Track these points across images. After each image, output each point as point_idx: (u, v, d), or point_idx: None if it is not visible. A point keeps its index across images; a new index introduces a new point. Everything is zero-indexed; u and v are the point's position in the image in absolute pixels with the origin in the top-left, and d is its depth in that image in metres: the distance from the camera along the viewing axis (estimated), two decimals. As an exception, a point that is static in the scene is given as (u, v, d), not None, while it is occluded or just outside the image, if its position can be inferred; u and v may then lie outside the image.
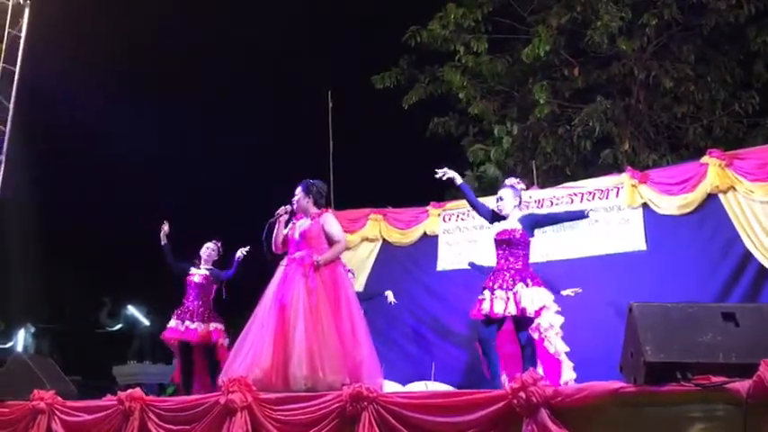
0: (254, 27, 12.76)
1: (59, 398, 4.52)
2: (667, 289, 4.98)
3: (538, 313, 4.55)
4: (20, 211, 11.19)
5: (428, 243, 6.63)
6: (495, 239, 4.76)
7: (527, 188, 6.35)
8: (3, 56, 8.59)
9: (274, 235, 4.47)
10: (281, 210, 4.48)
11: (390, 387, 4.52)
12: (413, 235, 6.74)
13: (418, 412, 3.21)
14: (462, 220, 6.44)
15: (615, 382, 2.83)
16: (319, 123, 7.90)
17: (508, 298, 4.51)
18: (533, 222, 4.80)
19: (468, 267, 6.03)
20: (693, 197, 5.37)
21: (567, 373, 4.61)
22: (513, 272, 4.60)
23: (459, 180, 4.94)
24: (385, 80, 9.73)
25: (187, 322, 5.78)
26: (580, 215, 4.92)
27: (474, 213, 6.26)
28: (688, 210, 5.41)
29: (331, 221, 4.46)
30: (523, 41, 9.03)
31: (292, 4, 12.12)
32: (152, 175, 12.57)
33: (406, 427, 3.21)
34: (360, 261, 6.77)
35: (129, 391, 4.17)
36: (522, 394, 2.88)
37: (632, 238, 5.62)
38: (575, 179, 6.89)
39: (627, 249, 5.61)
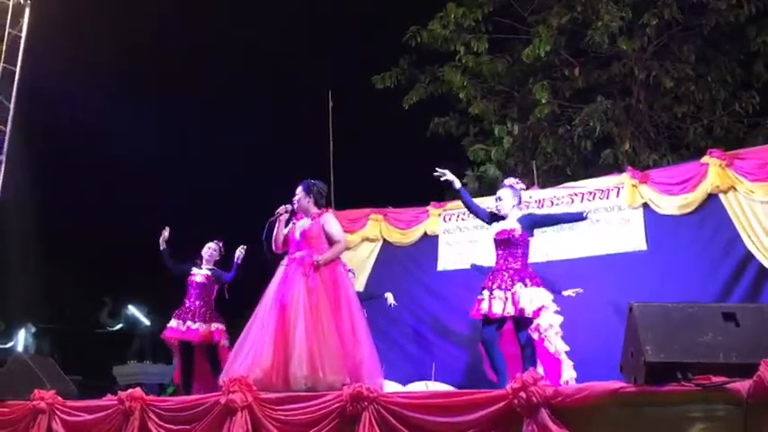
0: (254, 27, 12.76)
1: (60, 398, 4.52)
2: (668, 289, 4.98)
3: (537, 313, 4.54)
4: (20, 211, 11.19)
5: (428, 243, 6.63)
6: (495, 239, 4.76)
7: (527, 188, 6.36)
8: (3, 56, 8.59)
9: (274, 234, 4.47)
10: (282, 209, 4.48)
11: (391, 387, 4.52)
12: (413, 235, 6.74)
13: (419, 412, 3.21)
14: (463, 220, 6.44)
15: (615, 382, 2.83)
16: (319, 123, 7.90)
17: (506, 298, 4.51)
18: (532, 222, 4.80)
19: (470, 268, 6.02)
20: (694, 197, 5.37)
21: (568, 372, 4.61)
22: (511, 272, 4.60)
23: (457, 185, 4.92)
24: (385, 80, 9.73)
25: (188, 322, 5.77)
26: (579, 217, 4.91)
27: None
28: (688, 210, 5.41)
29: (331, 221, 4.46)
30: (524, 41, 9.03)
31: (292, 4, 12.13)
32: (152, 175, 12.58)
33: (407, 427, 3.21)
34: (360, 261, 6.77)
35: (130, 390, 4.17)
36: (523, 394, 2.88)
37: (633, 238, 5.62)
38: (575, 179, 6.89)
39: (627, 249, 5.61)
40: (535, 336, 4.65)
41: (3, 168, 8.47)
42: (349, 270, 5.21)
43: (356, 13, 11.46)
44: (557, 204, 6.06)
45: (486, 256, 5.54)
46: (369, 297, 5.90)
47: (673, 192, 5.50)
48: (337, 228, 4.49)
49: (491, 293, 4.58)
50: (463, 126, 9.76)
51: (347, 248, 5.47)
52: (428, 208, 6.71)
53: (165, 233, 5.87)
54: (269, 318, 4.15)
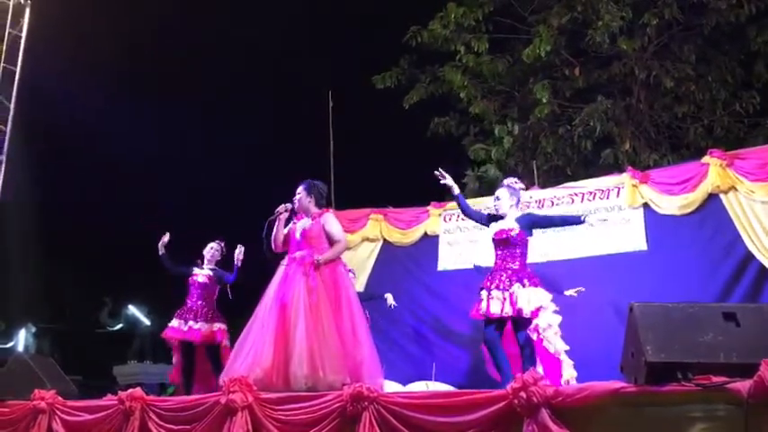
0: (254, 27, 12.75)
1: (60, 397, 4.52)
2: (668, 289, 4.98)
3: (535, 314, 4.54)
4: (20, 212, 11.19)
5: (429, 243, 6.63)
6: (493, 239, 4.76)
7: (528, 188, 6.36)
8: (3, 56, 8.59)
9: (274, 233, 4.47)
10: (281, 208, 4.47)
11: (391, 387, 4.52)
12: (413, 235, 6.74)
13: (419, 412, 3.21)
14: (463, 220, 6.43)
15: (616, 381, 2.83)
16: (319, 123, 7.91)
17: (504, 298, 4.51)
18: (531, 222, 4.79)
19: (473, 269, 6.01)
20: (694, 197, 5.37)
21: (568, 372, 4.61)
22: (509, 272, 4.60)
23: (456, 191, 4.91)
24: (386, 80, 9.73)
25: (190, 322, 5.76)
26: (577, 221, 4.85)
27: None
28: (689, 210, 5.41)
29: (332, 221, 4.46)
30: (524, 41, 9.03)
31: (292, 4, 12.12)
32: (152, 175, 12.57)
33: (407, 427, 3.21)
34: (360, 261, 6.77)
35: (130, 390, 4.17)
36: (523, 394, 2.88)
37: (633, 238, 5.63)
38: (575, 179, 6.89)
39: (628, 249, 5.61)
40: (534, 336, 4.65)
41: (3, 168, 8.47)
42: (349, 270, 5.21)
43: (356, 13, 11.46)
44: (557, 204, 6.06)
45: (487, 256, 5.52)
46: (369, 297, 5.90)
47: (673, 192, 5.50)
48: (338, 228, 4.49)
49: (489, 294, 4.58)
50: (463, 126, 9.76)
51: (347, 248, 5.46)
52: (428, 208, 6.71)
53: (165, 238, 5.88)
54: (269, 317, 4.15)
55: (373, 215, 6.94)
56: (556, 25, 8.49)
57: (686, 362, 2.63)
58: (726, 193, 5.24)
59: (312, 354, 3.96)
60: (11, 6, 8.66)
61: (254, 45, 12.03)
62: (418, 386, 5.18)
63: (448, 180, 4.89)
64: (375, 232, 6.90)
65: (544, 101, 8.49)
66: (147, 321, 14.48)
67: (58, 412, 4.40)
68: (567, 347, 4.68)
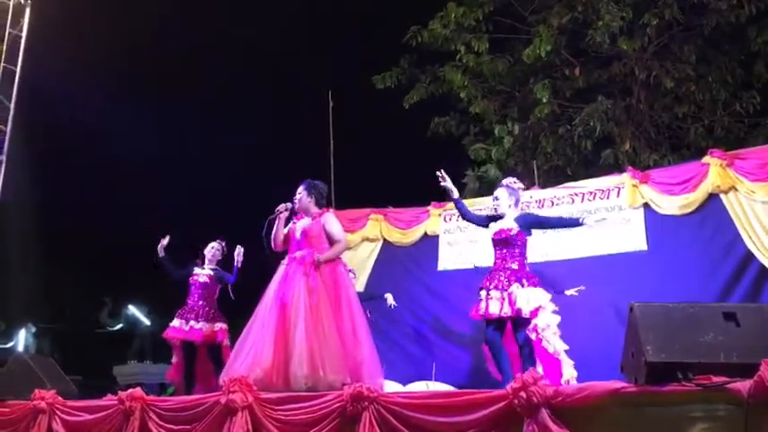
0: (254, 27, 12.75)
1: (60, 397, 4.51)
2: (668, 289, 4.98)
3: (534, 314, 4.53)
4: (20, 212, 11.19)
5: (429, 243, 6.63)
6: (492, 239, 4.76)
7: (528, 188, 6.37)
8: (3, 56, 8.59)
9: (274, 232, 4.47)
10: (282, 207, 4.47)
11: (391, 387, 4.52)
12: (413, 235, 6.74)
13: (419, 412, 3.21)
14: (463, 220, 6.43)
15: (616, 381, 2.82)
16: (319, 123, 7.90)
17: (503, 298, 4.51)
18: (529, 222, 4.78)
19: (474, 270, 6.00)
20: (694, 197, 5.37)
21: (568, 371, 4.60)
22: (508, 272, 4.60)
23: (455, 194, 4.91)
24: (386, 80, 9.73)
25: (192, 322, 5.76)
26: (576, 223, 4.83)
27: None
28: (689, 210, 5.41)
29: (332, 221, 4.47)
30: (524, 41, 9.03)
31: (292, 4, 12.12)
32: (152, 175, 12.57)
33: (407, 427, 3.21)
34: (360, 261, 6.77)
35: (130, 390, 4.17)
36: (523, 394, 2.88)
37: (633, 238, 5.62)
38: (575, 179, 6.89)
39: (628, 249, 5.61)
40: (533, 336, 4.65)
41: (3, 168, 8.47)
42: (349, 270, 5.21)
43: (356, 13, 11.45)
44: (557, 204, 6.06)
45: (487, 256, 5.52)
46: (369, 297, 5.91)
47: (673, 192, 5.50)
48: (338, 227, 4.49)
49: (488, 294, 4.58)
50: (464, 126, 9.76)
51: (347, 248, 5.46)
52: (428, 208, 6.71)
53: (164, 241, 5.87)
54: (269, 317, 4.15)
55: (373, 215, 6.94)
56: (556, 25, 8.49)
57: (686, 362, 2.63)
58: (726, 193, 5.24)
59: (312, 354, 3.96)
60: (11, 6, 8.67)
61: (254, 45, 12.03)
62: (418, 386, 5.18)
63: (447, 183, 4.89)
64: (375, 232, 6.89)
65: (544, 101, 8.49)
66: (147, 321, 14.48)
67: (58, 412, 4.40)
68: (567, 347, 4.67)
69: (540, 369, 4.48)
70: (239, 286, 5.91)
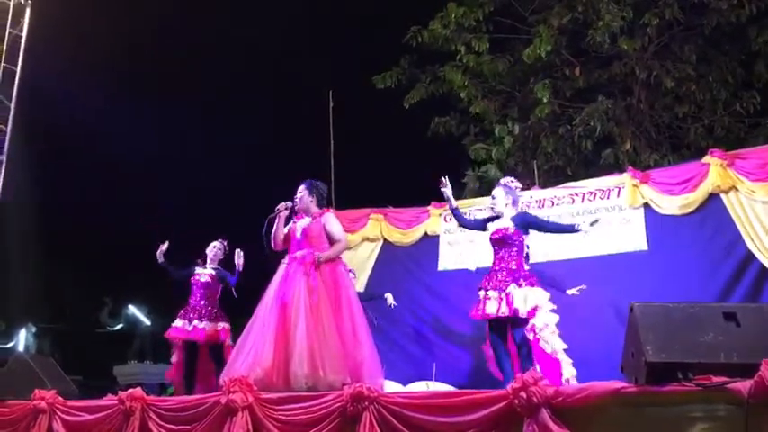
0: (254, 27, 12.76)
1: (60, 397, 4.51)
2: (668, 289, 4.97)
3: (531, 314, 4.53)
4: (20, 212, 11.19)
5: (429, 243, 6.63)
6: (490, 239, 4.77)
7: (529, 188, 6.37)
8: (4, 56, 8.60)
9: (274, 231, 4.47)
10: (282, 206, 4.47)
11: (391, 387, 4.51)
12: (414, 235, 6.73)
13: (419, 412, 3.21)
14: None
15: (616, 381, 2.82)
16: (320, 123, 7.90)
17: (501, 299, 4.51)
18: (526, 221, 4.77)
19: (474, 271, 5.99)
20: (695, 197, 5.37)
21: (568, 370, 4.61)
22: (506, 272, 4.59)
23: (453, 204, 4.96)
24: (386, 80, 9.73)
25: (195, 321, 5.75)
26: (570, 229, 4.80)
27: (475, 213, 6.28)
28: (689, 210, 5.41)
29: (332, 221, 4.47)
30: (524, 41, 9.03)
31: (292, 4, 12.13)
32: (152, 175, 12.58)
33: (407, 427, 3.21)
34: (361, 261, 6.77)
35: (130, 390, 4.16)
36: (523, 394, 2.88)
37: (633, 238, 5.62)
38: (576, 179, 6.88)
39: (628, 249, 5.61)
40: (530, 336, 4.65)
41: (3, 168, 8.47)
42: (349, 270, 5.21)
43: (356, 13, 11.46)
44: (557, 204, 6.06)
45: (487, 256, 5.53)
46: (369, 297, 5.90)
47: (674, 192, 5.50)
48: (338, 227, 4.50)
49: (486, 294, 4.59)
50: (464, 126, 9.76)
51: (348, 248, 5.46)
52: (429, 208, 6.71)
53: (163, 247, 5.87)
54: (270, 317, 4.15)
55: (373, 215, 6.94)
56: (556, 25, 8.49)
57: (687, 362, 2.63)
58: (726, 192, 5.24)
59: (312, 353, 3.96)
60: (11, 6, 8.67)
61: (254, 45, 12.04)
62: (418, 386, 5.18)
63: (447, 190, 4.91)
64: (375, 232, 6.89)
65: (544, 101, 8.49)
66: (147, 321, 14.49)
67: (58, 412, 4.39)
68: (566, 346, 4.67)
69: (537, 369, 4.49)
70: (240, 286, 5.92)
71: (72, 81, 10.85)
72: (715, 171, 5.26)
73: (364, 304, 4.66)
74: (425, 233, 6.67)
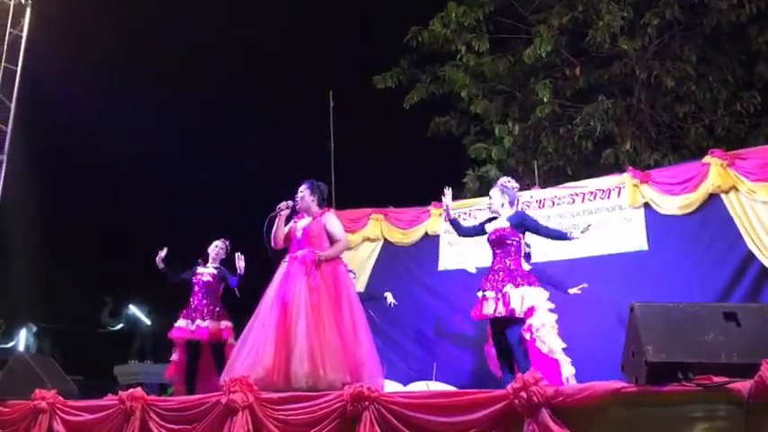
0: (254, 27, 12.76)
1: (61, 397, 4.51)
2: (669, 289, 4.98)
3: (529, 313, 4.53)
4: (20, 211, 11.19)
5: (429, 243, 6.63)
6: (489, 240, 4.77)
7: (529, 188, 6.37)
8: (4, 56, 8.60)
9: (274, 230, 4.47)
10: (283, 204, 4.47)
11: (391, 387, 4.52)
12: (414, 235, 6.74)
13: (419, 412, 3.21)
14: (463, 220, 6.42)
15: (617, 381, 2.82)
16: (320, 123, 7.91)
17: (498, 299, 4.51)
18: (521, 221, 4.75)
19: (474, 272, 5.99)
20: (695, 197, 5.37)
21: (567, 369, 4.60)
22: (504, 272, 4.59)
23: (452, 215, 5.03)
24: (386, 80, 9.74)
25: (198, 321, 5.75)
26: (564, 236, 4.76)
27: (475, 213, 6.29)
28: (690, 210, 5.41)
29: (333, 221, 4.48)
30: (525, 41, 9.03)
31: (292, 4, 12.13)
32: (152, 175, 12.57)
33: (408, 427, 3.20)
34: (361, 261, 6.77)
35: (131, 390, 4.16)
36: (524, 394, 2.88)
37: (634, 238, 5.62)
38: (576, 179, 6.89)
39: (628, 249, 5.61)
40: (527, 336, 4.64)
41: (3, 168, 8.47)
42: (350, 270, 5.21)
43: (356, 13, 11.46)
44: (558, 204, 6.06)
45: (488, 256, 5.53)
46: (369, 297, 5.90)
47: (674, 192, 5.50)
48: (339, 227, 4.50)
49: (484, 295, 4.59)
50: (464, 125, 9.76)
51: (348, 248, 5.46)
52: (429, 208, 6.71)
53: (162, 254, 5.88)
54: (270, 316, 4.15)
55: (374, 215, 6.94)
56: (556, 25, 8.49)
57: (687, 362, 2.63)
58: (727, 193, 5.24)
59: (313, 352, 3.97)
60: (11, 6, 8.68)
61: (254, 45, 12.03)
62: (419, 386, 5.18)
63: (447, 199, 4.97)
64: (376, 232, 6.89)
65: (545, 101, 8.49)
66: (147, 321, 14.49)
67: (58, 412, 4.39)
68: (565, 345, 4.67)
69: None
70: (241, 285, 5.92)
71: (72, 81, 10.86)
72: (715, 171, 5.26)
73: (365, 304, 4.66)
74: (426, 233, 6.67)
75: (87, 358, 13.48)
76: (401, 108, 9.67)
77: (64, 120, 12.02)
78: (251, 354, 4.06)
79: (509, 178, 5.09)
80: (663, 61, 8.53)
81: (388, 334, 6.23)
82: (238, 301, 5.82)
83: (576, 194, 6.02)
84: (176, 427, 3.89)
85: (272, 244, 4.47)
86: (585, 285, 5.12)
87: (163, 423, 3.95)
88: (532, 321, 4.58)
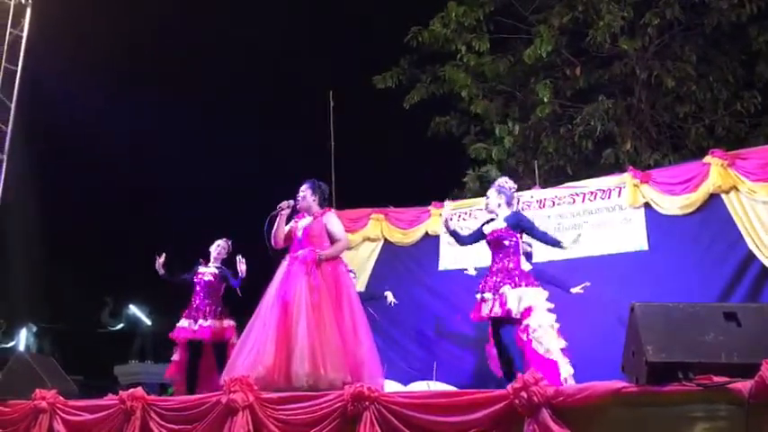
0: (254, 27, 12.76)
1: (61, 397, 4.51)
2: (669, 289, 4.98)
3: (525, 314, 4.52)
4: (20, 212, 11.19)
5: (430, 243, 6.63)
6: (487, 241, 4.77)
7: (529, 188, 6.37)
8: (4, 56, 8.60)
9: (275, 229, 4.47)
10: (284, 204, 4.47)
11: (392, 386, 4.52)
12: (414, 235, 6.74)
13: (420, 412, 3.21)
14: (464, 220, 6.44)
15: (617, 381, 2.82)
16: (320, 123, 7.91)
17: (495, 299, 4.51)
18: (518, 222, 4.74)
19: (474, 274, 5.99)
20: (695, 197, 5.37)
21: (565, 369, 4.60)
22: (503, 273, 4.59)
23: (451, 226, 5.03)
24: (386, 80, 9.73)
25: (200, 321, 5.74)
26: (556, 244, 4.72)
27: (476, 213, 6.29)
28: (690, 210, 5.41)
29: (333, 220, 4.48)
30: (525, 41, 9.03)
31: (292, 4, 12.13)
32: (152, 175, 12.57)
33: (408, 427, 3.21)
34: (361, 261, 6.77)
35: (131, 390, 4.16)
36: (524, 394, 2.88)
37: (634, 238, 5.63)
38: (576, 179, 6.89)
39: (629, 249, 5.62)
40: (524, 337, 4.64)
41: (3, 168, 8.48)
42: (350, 270, 5.21)
43: (356, 13, 11.46)
44: (558, 204, 6.06)
45: (487, 256, 5.53)
46: (370, 297, 5.90)
47: (674, 192, 5.50)
48: (339, 227, 4.51)
49: (482, 296, 4.60)
50: (464, 126, 9.76)
51: (348, 248, 5.46)
52: (429, 208, 6.71)
53: (161, 260, 5.87)
54: (271, 316, 4.16)
55: (374, 215, 6.94)
56: (557, 25, 8.49)
57: (687, 362, 2.63)
58: (727, 193, 5.24)
59: (313, 351, 3.97)
60: (12, 6, 8.68)
61: (254, 45, 12.03)
62: (419, 386, 5.18)
63: (447, 208, 4.95)
64: (376, 232, 6.90)
65: (545, 100, 8.49)
66: (148, 321, 14.49)
67: (59, 412, 4.39)
68: (564, 344, 4.67)
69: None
70: (241, 285, 5.91)
71: (72, 81, 10.85)
72: (716, 171, 5.26)
73: (365, 304, 4.66)
74: (426, 233, 6.67)
75: (87, 358, 13.49)
76: (401, 108, 9.67)
77: (64, 120, 12.02)
78: (252, 353, 4.06)
79: (506, 179, 5.10)
80: (663, 61, 8.53)
81: (389, 333, 6.23)
82: (239, 301, 5.82)
83: (577, 194, 6.02)
84: (177, 426, 3.89)
85: (273, 243, 4.47)
86: (588, 284, 5.12)
87: (163, 423, 3.96)
88: (530, 322, 4.58)
